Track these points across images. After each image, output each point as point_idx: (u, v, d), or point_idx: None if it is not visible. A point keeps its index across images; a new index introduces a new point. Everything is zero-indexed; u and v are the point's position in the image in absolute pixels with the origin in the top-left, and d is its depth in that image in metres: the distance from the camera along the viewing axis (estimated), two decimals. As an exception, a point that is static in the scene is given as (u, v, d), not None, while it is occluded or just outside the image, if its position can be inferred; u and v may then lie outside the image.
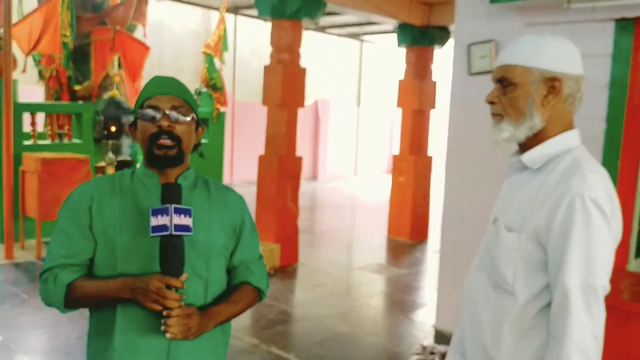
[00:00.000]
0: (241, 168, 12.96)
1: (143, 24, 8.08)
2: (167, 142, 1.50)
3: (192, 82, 12.54)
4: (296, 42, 6.36)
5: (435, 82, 8.13)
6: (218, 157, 8.76)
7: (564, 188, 1.42)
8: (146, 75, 8.45)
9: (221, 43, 8.32)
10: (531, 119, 1.50)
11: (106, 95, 7.79)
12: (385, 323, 5.12)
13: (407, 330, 4.87)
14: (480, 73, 4.41)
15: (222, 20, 8.33)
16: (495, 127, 1.56)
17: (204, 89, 8.50)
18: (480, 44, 4.38)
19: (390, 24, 8.04)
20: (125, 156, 8.04)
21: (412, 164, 7.94)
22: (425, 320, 5.03)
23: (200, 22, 12.77)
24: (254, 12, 8.93)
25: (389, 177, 8.63)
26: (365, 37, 14.27)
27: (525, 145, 1.56)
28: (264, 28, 12.08)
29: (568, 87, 1.50)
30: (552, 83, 1.49)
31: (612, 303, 2.28)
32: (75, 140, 7.55)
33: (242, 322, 4.68)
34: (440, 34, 7.86)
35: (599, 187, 1.42)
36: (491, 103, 1.57)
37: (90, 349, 1.61)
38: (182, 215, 1.43)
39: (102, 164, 7.75)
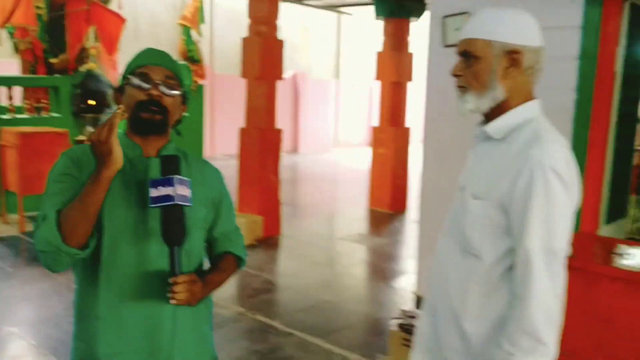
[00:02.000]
0: (221, 141, 12.95)
1: (118, -5, 7.97)
2: (154, 108, 1.53)
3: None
4: (273, 14, 6.37)
5: (412, 54, 8.19)
6: (198, 131, 8.77)
7: (525, 157, 1.48)
8: (122, 48, 8.37)
9: (198, 14, 8.26)
10: (493, 91, 1.56)
11: (83, 68, 7.71)
12: (367, 291, 5.29)
13: (388, 297, 5.04)
14: (455, 45, 4.50)
15: (198, -8, 8.25)
16: (460, 99, 1.62)
17: (182, 62, 8.45)
18: (454, 16, 4.46)
19: (367, -6, 8.06)
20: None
21: (391, 135, 8.05)
22: (405, 287, 5.19)
23: (176, -7, 12.61)
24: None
25: (369, 149, 8.74)
26: (343, 9, 14.21)
27: (488, 116, 1.62)
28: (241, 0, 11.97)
29: (528, 59, 1.55)
30: (512, 55, 1.54)
31: (583, 266, 2.43)
32: (54, 114, 7.49)
33: (228, 292, 4.80)
34: (416, 6, 7.89)
35: (558, 156, 1.48)
36: (456, 76, 1.62)
37: (76, 317, 1.62)
38: (183, 186, 1.48)
39: (81, 137, 7.72)
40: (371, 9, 8.58)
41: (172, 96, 1.56)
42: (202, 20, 8.28)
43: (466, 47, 1.58)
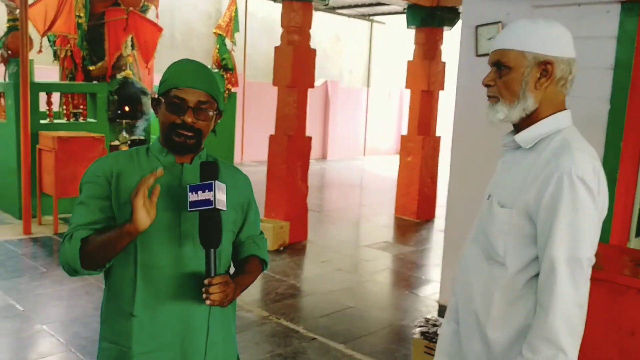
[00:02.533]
0: (251, 148, 13.09)
1: (155, 5, 8.17)
2: (188, 133, 1.57)
3: (203, 62, 12.65)
4: (306, 23, 6.43)
5: (444, 63, 8.17)
6: (229, 137, 8.90)
7: (553, 166, 1.49)
8: (158, 56, 8.57)
9: (232, 24, 8.40)
10: (524, 101, 1.57)
11: (120, 76, 7.92)
12: (391, 298, 5.27)
13: (412, 305, 5.02)
14: (488, 54, 4.49)
15: (233, 1, 8.40)
16: (491, 109, 1.62)
17: (215, 70, 8.59)
18: (487, 26, 4.44)
19: (400, 4, 8.07)
20: (138, 135, 8.19)
21: (419, 144, 8.04)
22: (429, 295, 5.17)
23: (211, 3, 12.83)
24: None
25: (397, 157, 8.73)
26: (375, 18, 14.25)
27: (519, 126, 1.62)
28: (274, 9, 12.10)
29: (560, 70, 1.56)
30: (544, 66, 1.55)
31: (609, 277, 2.39)
32: (90, 120, 7.71)
33: (253, 296, 4.85)
34: (449, 16, 7.89)
35: (586, 165, 1.48)
36: (487, 86, 1.64)
37: (105, 313, 1.67)
38: (221, 192, 1.52)
39: (116, 142, 7.91)
40: (403, 17, 8.60)
41: (206, 120, 1.60)
42: (236, 29, 8.42)
43: (499, 57, 1.59)
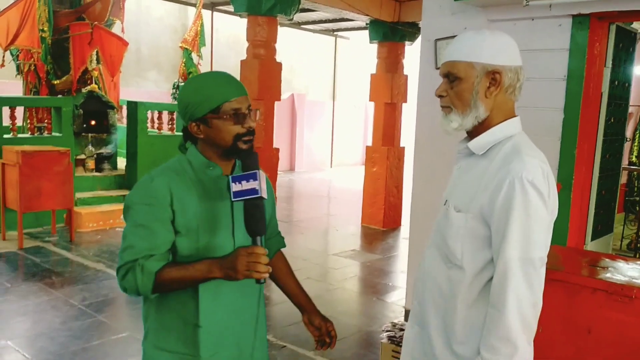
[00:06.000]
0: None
1: (121, 19, 8.18)
2: (251, 138, 1.65)
3: (169, 77, 12.63)
4: (272, 37, 6.55)
5: (406, 76, 8.38)
6: (196, 150, 8.89)
7: (505, 171, 1.53)
8: (125, 70, 8.55)
9: (198, 38, 8.47)
10: (476, 110, 1.62)
11: (85, 90, 7.88)
12: (359, 305, 5.37)
13: (379, 311, 5.12)
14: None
15: (199, 16, 8.47)
16: (445, 118, 1.68)
17: (182, 83, 8.61)
18: (446, 39, 4.61)
19: (363, 20, 8.26)
20: (107, 149, 8.15)
21: (384, 154, 8.20)
22: (396, 301, 5.29)
23: (177, 17, 12.85)
24: (231, 7, 9.06)
25: (363, 168, 8.87)
26: (339, 33, 14.46)
27: (472, 133, 1.67)
28: (240, 23, 12.18)
29: (508, 78, 1.60)
30: (493, 76, 1.59)
31: (565, 278, 2.52)
32: (55, 134, 7.63)
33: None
34: (410, 30, 8.11)
35: (536, 170, 1.52)
36: (440, 96, 1.68)
37: (159, 324, 1.69)
38: (263, 181, 1.57)
39: (82, 156, 7.86)
40: (365, 33, 8.79)
41: (255, 120, 1.68)
42: (202, 43, 8.48)
43: (449, 68, 1.64)
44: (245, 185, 1.55)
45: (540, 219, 1.52)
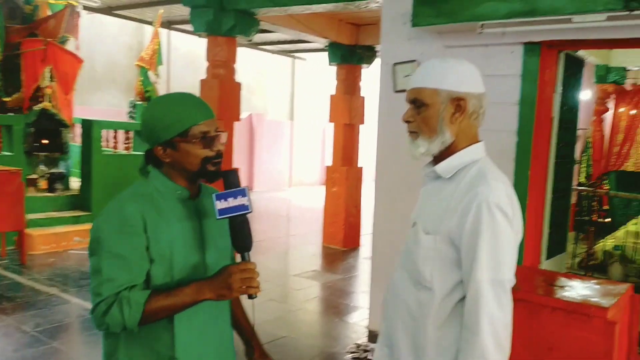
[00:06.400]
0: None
1: (75, 36, 8.02)
2: (220, 160, 1.64)
3: (125, 95, 12.44)
4: (231, 57, 6.56)
5: (363, 98, 8.51)
6: (153, 170, 8.76)
7: (472, 195, 1.58)
8: (79, 88, 8.38)
9: (155, 57, 8.38)
10: (442, 135, 1.66)
11: (37, 107, 7.67)
12: (321, 326, 5.36)
13: (342, 332, 5.12)
14: (405, 90, 4.76)
15: (156, 34, 8.40)
16: (412, 144, 1.73)
17: (139, 102, 8.50)
18: (404, 64, 4.73)
19: (321, 42, 8.37)
20: (59, 169, 7.93)
21: (344, 174, 8.28)
22: (358, 322, 5.30)
23: (132, 35, 12.71)
24: (188, 27, 9.04)
25: (323, 188, 8.91)
26: (296, 54, 14.59)
27: (437, 157, 1.72)
28: (197, 42, 12.15)
29: (472, 104, 1.67)
30: (458, 102, 1.65)
31: (527, 297, 2.59)
32: (6, 153, 7.39)
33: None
34: (367, 53, 8.28)
35: (501, 193, 1.58)
36: (407, 122, 1.73)
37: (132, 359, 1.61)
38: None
39: (34, 176, 7.62)
40: (323, 55, 8.91)
41: (224, 142, 1.66)
42: (160, 62, 8.40)
43: (416, 95, 1.69)
44: (232, 202, 1.54)
45: (507, 240, 1.57)
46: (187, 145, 1.58)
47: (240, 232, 1.56)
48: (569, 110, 4.80)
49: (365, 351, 3.77)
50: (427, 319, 1.67)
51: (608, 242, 6.44)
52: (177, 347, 1.58)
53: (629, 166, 9.59)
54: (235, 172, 1.61)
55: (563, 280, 2.84)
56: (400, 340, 1.76)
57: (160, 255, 1.56)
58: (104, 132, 8.36)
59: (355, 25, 8.05)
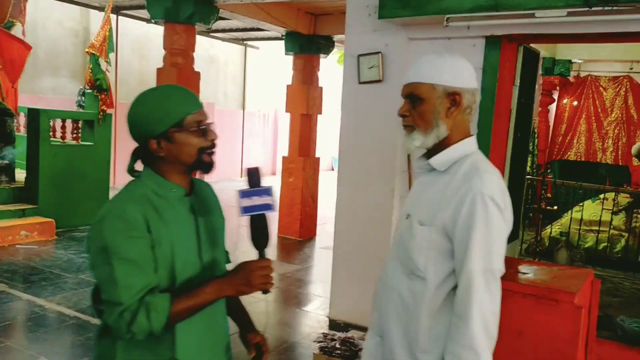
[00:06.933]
0: (124, 171, 12.53)
1: (22, 21, 7.66)
2: (214, 150, 1.65)
3: (70, 82, 12.01)
4: (189, 46, 6.44)
5: (321, 88, 8.53)
6: (105, 161, 8.52)
7: (466, 188, 1.63)
8: (23, 75, 8.01)
9: (106, 43, 8.10)
10: (438, 129, 1.71)
11: (-19, 96, 7.32)
12: (282, 316, 5.37)
13: (303, 322, 5.17)
14: (369, 82, 4.81)
15: (107, 21, 8.11)
16: (408, 137, 1.76)
17: (89, 90, 8.22)
18: (368, 55, 4.77)
19: (276, 31, 8.32)
20: (4, 160, 7.59)
21: (300, 165, 8.28)
22: (318, 311, 5.35)
23: (77, 20, 12.24)
24: (136, 12, 8.80)
25: (275, 179, 8.90)
26: (248, 42, 14.44)
27: (430, 150, 1.76)
28: (146, 29, 11.86)
29: (466, 99, 1.72)
30: (453, 97, 1.70)
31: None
32: (-54, 143, 7.03)
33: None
34: (325, 43, 8.27)
35: (494, 186, 1.64)
36: (403, 116, 1.77)
37: None
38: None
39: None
40: (275, 43, 8.85)
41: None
42: (111, 49, 8.12)
43: (412, 90, 1.73)
44: (257, 201, 1.58)
45: (499, 231, 1.63)
46: (183, 136, 1.57)
47: (261, 230, 1.60)
48: (526, 103, 4.98)
49: (332, 340, 3.82)
50: (421, 308, 1.71)
51: (554, 229, 6.72)
52: (178, 348, 1.56)
53: (571, 155, 10.02)
54: (258, 170, 1.65)
55: (526, 267, 2.95)
56: (393, 329, 1.79)
57: (162, 257, 1.53)
58: (51, 122, 8.05)
59: (313, 14, 8.04)
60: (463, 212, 1.62)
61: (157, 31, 13.04)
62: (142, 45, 12.93)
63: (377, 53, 4.71)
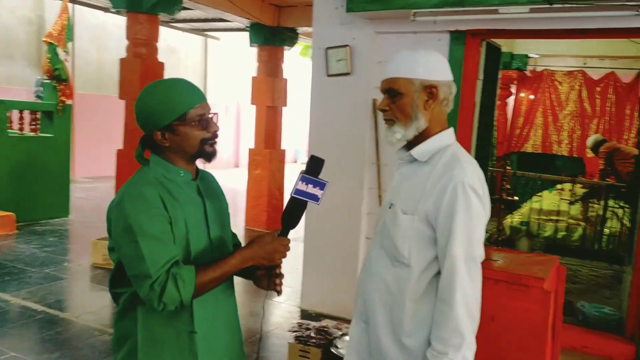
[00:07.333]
0: (83, 163, 12.31)
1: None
2: (217, 140, 1.77)
3: (24, 71, 11.65)
4: (153, 36, 6.34)
5: (286, 80, 8.52)
6: (65, 153, 8.32)
7: (447, 177, 1.69)
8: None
9: (65, 32, 7.90)
10: (417, 121, 1.77)
11: None
12: (253, 308, 5.38)
13: (274, 312, 5.20)
14: (337, 75, 4.85)
15: (65, 9, 7.90)
16: (389, 131, 1.82)
17: (47, 80, 8.01)
18: (336, 48, 4.81)
19: (240, 22, 8.25)
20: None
21: (267, 157, 8.28)
22: (289, 302, 5.39)
23: (31, 8, 11.87)
24: (93, 1, 8.59)
25: (238, 171, 8.87)
26: (209, 33, 14.28)
27: (411, 142, 1.81)
28: (104, 18, 11.61)
29: (443, 92, 1.77)
30: (430, 90, 1.75)
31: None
32: None
33: (109, 317, 4.66)
34: (289, 35, 8.26)
35: (474, 176, 1.70)
36: (383, 110, 1.82)
37: (150, 340, 1.66)
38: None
39: None
40: (237, 35, 8.74)
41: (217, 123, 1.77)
42: (69, 38, 7.91)
43: (390, 85, 1.79)
44: (311, 190, 1.70)
45: (479, 219, 1.71)
46: (186, 128, 1.67)
47: (297, 214, 1.72)
48: (489, 96, 5.12)
49: (307, 329, 3.86)
50: (405, 293, 1.77)
51: (515, 219, 6.94)
52: (196, 322, 1.66)
53: (528, 147, 10.33)
54: (322, 160, 1.77)
55: (496, 254, 3.06)
56: (378, 315, 1.85)
57: (179, 234, 1.63)
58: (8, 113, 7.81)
59: (278, 6, 8.01)
60: (445, 201, 1.68)
61: (115, 21, 12.81)
62: (100, 34, 12.65)
63: (345, 46, 4.76)
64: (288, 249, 1.73)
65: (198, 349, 1.66)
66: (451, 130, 1.86)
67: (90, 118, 12.54)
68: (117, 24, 12.73)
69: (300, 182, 1.69)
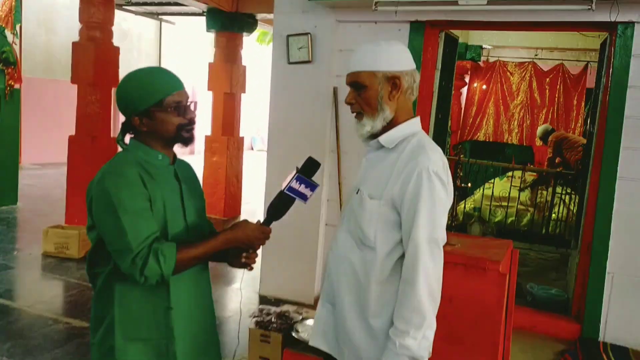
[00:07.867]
0: (31, 150, 11.92)
1: None
2: (193, 126, 1.82)
3: None
4: (108, 19, 6.21)
5: (245, 67, 8.46)
6: (14, 138, 8.05)
7: (413, 164, 1.75)
8: None
9: (13, 14, 7.61)
10: (383, 112, 1.82)
11: None
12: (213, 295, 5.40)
13: (233, 298, 5.23)
14: (298, 62, 4.86)
15: (13, -11, 7.62)
16: (359, 124, 1.88)
17: (-6, 64, 7.71)
18: (297, 36, 4.82)
19: (196, 6, 8.13)
20: None
21: (224, 144, 8.21)
22: (248, 288, 5.41)
23: (-25, -14, 11.35)
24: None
25: (193, 158, 8.78)
26: (164, 17, 14.00)
27: (378, 132, 1.87)
28: (53, 0, 11.23)
29: (406, 81, 1.83)
30: (393, 80, 1.81)
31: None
32: None
33: (63, 305, 4.59)
34: (248, 21, 8.19)
35: (439, 163, 1.77)
36: (350, 104, 1.88)
37: (128, 315, 1.71)
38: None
39: None
40: (193, 19, 8.57)
41: (195, 110, 1.83)
42: (18, 20, 7.63)
43: (355, 78, 1.84)
44: (302, 189, 1.83)
45: (442, 204, 1.78)
46: (162, 114, 1.74)
47: (284, 209, 1.86)
48: (446, 86, 5.24)
49: (268, 314, 3.90)
50: (370, 275, 1.83)
51: (467, 205, 7.14)
52: (172, 297, 1.73)
53: (480, 136, 10.61)
54: (318, 165, 1.90)
55: (454, 238, 3.17)
56: (344, 297, 1.91)
57: (157, 214, 1.69)
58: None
59: (235, -8, 7.94)
60: (410, 186, 1.74)
61: (65, 2, 12.42)
62: (48, 16, 12.23)
63: (306, 34, 4.78)
64: (268, 237, 1.83)
65: (174, 323, 1.73)
66: (417, 119, 1.92)
67: (38, 103, 12.15)
68: (66, 5, 12.33)
69: (294, 180, 1.78)
